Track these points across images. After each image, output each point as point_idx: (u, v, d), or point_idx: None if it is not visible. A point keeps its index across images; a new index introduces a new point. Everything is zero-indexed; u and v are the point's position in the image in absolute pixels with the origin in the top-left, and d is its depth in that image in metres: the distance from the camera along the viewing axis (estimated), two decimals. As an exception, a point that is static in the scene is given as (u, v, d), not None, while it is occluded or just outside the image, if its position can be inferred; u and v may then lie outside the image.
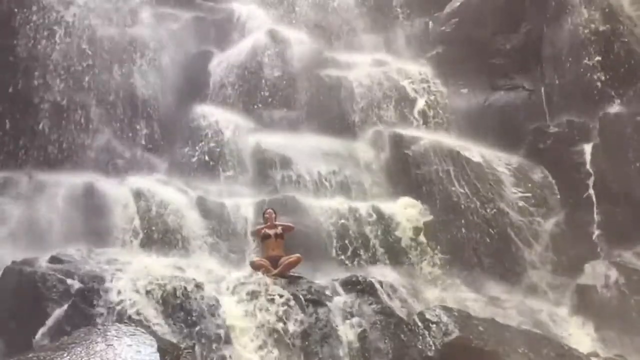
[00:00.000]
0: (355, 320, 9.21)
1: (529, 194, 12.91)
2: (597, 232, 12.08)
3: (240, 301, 9.21)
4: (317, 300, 9.39)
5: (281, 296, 9.29)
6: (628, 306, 11.00)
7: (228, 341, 8.66)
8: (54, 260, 9.64)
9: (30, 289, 8.95)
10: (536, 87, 14.34)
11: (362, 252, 11.85)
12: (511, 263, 12.18)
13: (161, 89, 14.73)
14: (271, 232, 10.39)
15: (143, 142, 13.99)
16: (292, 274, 9.98)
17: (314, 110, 14.84)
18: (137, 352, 6.28)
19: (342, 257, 11.71)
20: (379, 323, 9.13)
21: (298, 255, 10.09)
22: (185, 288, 8.97)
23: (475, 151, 13.44)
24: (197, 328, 8.63)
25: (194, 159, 13.53)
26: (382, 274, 11.00)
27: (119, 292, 8.77)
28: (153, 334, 7.18)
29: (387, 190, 13.39)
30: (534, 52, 14.65)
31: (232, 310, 9.02)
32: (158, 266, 9.76)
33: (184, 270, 9.88)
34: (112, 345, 6.38)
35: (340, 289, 9.79)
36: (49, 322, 8.50)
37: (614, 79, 13.09)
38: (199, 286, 9.14)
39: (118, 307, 8.59)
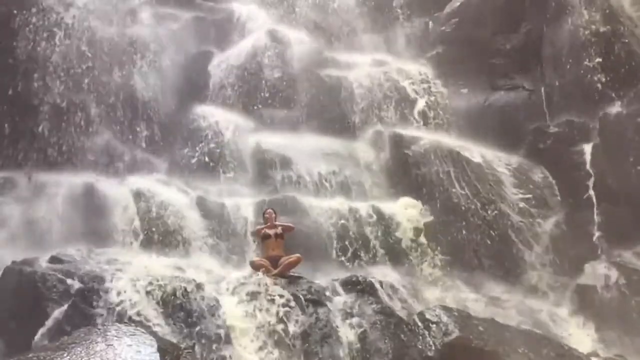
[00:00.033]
0: (355, 320, 9.21)
1: (530, 195, 12.90)
2: (597, 232, 12.08)
3: (240, 302, 9.21)
4: (317, 300, 9.38)
5: (281, 296, 9.28)
6: (628, 306, 11.02)
7: (228, 341, 8.65)
8: (54, 260, 9.65)
9: (30, 289, 8.95)
10: (536, 87, 14.32)
11: (362, 253, 11.84)
12: (511, 264, 12.18)
13: (161, 90, 14.72)
14: (271, 232, 10.39)
15: (143, 144, 13.98)
16: (292, 274, 9.98)
17: (314, 110, 14.83)
18: (137, 352, 6.29)
19: (343, 258, 11.70)
20: (379, 323, 9.13)
21: (298, 255, 10.10)
22: (185, 288, 8.97)
23: (475, 151, 13.44)
24: (197, 328, 8.63)
25: (194, 160, 13.52)
26: (382, 274, 11.00)
27: (119, 293, 8.77)
28: (153, 334, 7.18)
29: (387, 191, 13.38)
30: (534, 52, 14.63)
31: (232, 311, 9.02)
32: (158, 266, 9.77)
33: (184, 271, 9.87)
34: (112, 345, 6.39)
35: (340, 289, 9.79)
36: (49, 322, 8.50)
37: (614, 80, 13.06)
38: (199, 286, 9.14)
39: (118, 308, 8.58)
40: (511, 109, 14.33)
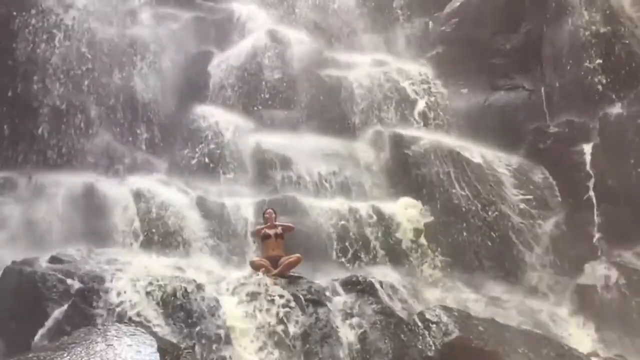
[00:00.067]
0: (355, 320, 9.20)
1: (530, 196, 12.89)
2: (597, 232, 12.09)
3: (240, 302, 9.20)
4: (317, 300, 9.37)
5: (281, 296, 9.28)
6: (628, 306, 11.02)
7: (228, 342, 8.65)
8: (54, 260, 9.65)
9: (30, 289, 8.95)
10: (536, 87, 14.32)
11: (362, 254, 11.83)
12: (512, 265, 12.18)
13: (161, 91, 14.72)
14: (271, 232, 10.39)
15: (143, 146, 13.96)
16: (292, 274, 9.97)
17: (314, 110, 14.84)
18: (137, 352, 6.30)
19: (343, 259, 11.70)
20: (379, 323, 9.12)
21: (298, 255, 10.09)
22: (186, 289, 8.96)
23: (475, 152, 13.44)
24: (197, 329, 8.62)
25: (194, 161, 13.52)
26: (382, 274, 11.00)
27: (119, 293, 8.76)
28: (153, 334, 7.18)
29: (387, 191, 13.38)
30: (534, 52, 14.63)
31: (232, 311, 9.01)
32: (158, 266, 9.75)
33: (184, 271, 9.86)
34: (112, 345, 6.39)
35: (340, 289, 9.79)
36: (49, 322, 8.50)
37: (614, 81, 13.06)
38: (199, 287, 9.13)
39: (118, 309, 8.57)
40: (511, 109, 14.32)
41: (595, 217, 12.26)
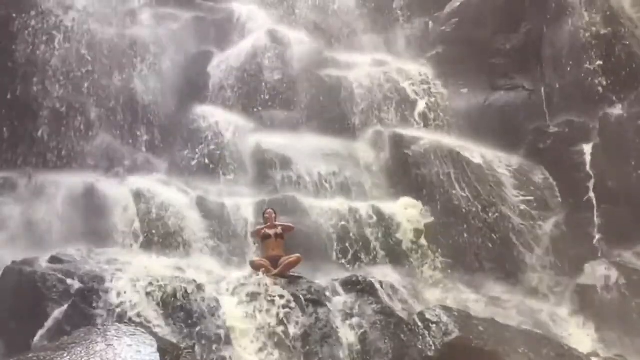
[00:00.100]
0: (355, 320, 9.20)
1: (531, 197, 12.89)
2: (597, 232, 12.09)
3: (240, 303, 9.19)
4: (317, 300, 9.37)
5: (282, 297, 9.27)
6: (628, 306, 11.02)
7: (228, 342, 8.64)
8: (54, 260, 9.65)
9: (30, 289, 8.95)
10: (536, 87, 14.31)
11: (363, 255, 11.83)
12: (512, 266, 12.18)
13: (161, 91, 14.69)
14: (271, 232, 10.39)
15: (143, 147, 13.93)
16: (292, 274, 9.97)
17: (314, 111, 14.83)
18: (137, 352, 6.29)
19: (343, 260, 11.69)
20: (379, 323, 9.11)
21: (298, 255, 10.09)
22: (186, 289, 8.95)
23: (475, 152, 13.43)
24: (197, 329, 8.61)
25: (194, 162, 13.51)
26: (382, 274, 11.00)
27: (119, 293, 8.75)
28: (153, 334, 7.18)
29: (387, 191, 13.37)
30: (534, 52, 14.62)
31: (233, 312, 9.00)
32: (158, 267, 9.74)
33: (184, 271, 9.86)
34: (112, 345, 6.39)
35: (340, 289, 9.78)
36: (49, 322, 8.50)
37: (615, 83, 13.05)
38: (199, 287, 9.13)
39: (118, 309, 8.56)
40: (511, 109, 14.31)
41: (596, 218, 12.26)
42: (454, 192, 12.80)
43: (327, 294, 9.62)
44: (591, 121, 13.05)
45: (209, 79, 15.21)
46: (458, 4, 16.16)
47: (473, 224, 12.48)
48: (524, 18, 15.06)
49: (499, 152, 13.59)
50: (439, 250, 12.19)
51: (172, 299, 8.83)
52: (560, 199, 12.92)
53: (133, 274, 9.12)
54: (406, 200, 12.78)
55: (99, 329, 6.95)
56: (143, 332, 6.83)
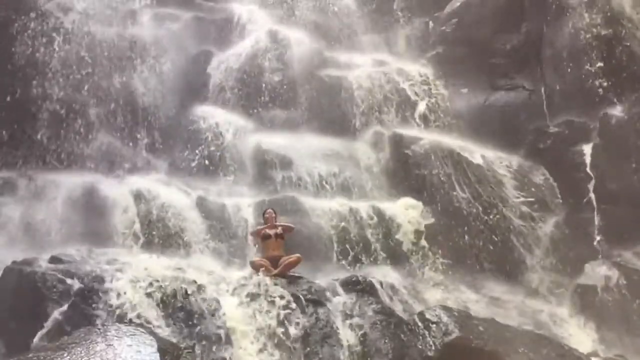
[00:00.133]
0: (355, 320, 9.20)
1: (532, 198, 12.88)
2: (597, 232, 12.10)
3: (240, 303, 9.18)
4: (317, 300, 9.36)
5: (282, 297, 9.26)
6: (629, 307, 11.03)
7: (228, 343, 8.64)
8: (54, 260, 9.63)
9: (30, 289, 8.94)
10: (536, 87, 14.29)
11: (363, 256, 11.82)
12: (513, 267, 12.19)
13: (161, 91, 14.65)
14: (271, 232, 10.39)
15: (144, 149, 13.89)
16: (292, 274, 9.97)
17: (314, 111, 14.82)
18: (137, 352, 6.32)
19: (344, 262, 11.68)
20: (379, 323, 9.11)
21: (298, 255, 10.09)
22: (186, 290, 8.95)
23: (475, 152, 13.41)
24: (197, 330, 8.60)
25: (194, 163, 13.50)
26: (382, 275, 10.99)
27: (119, 293, 8.74)
28: (153, 334, 7.18)
29: (388, 192, 13.36)
30: (534, 52, 14.60)
31: (233, 313, 8.99)
32: (158, 267, 9.71)
33: (184, 271, 9.85)
34: (112, 345, 6.41)
35: (340, 289, 9.76)
36: (49, 322, 8.47)
37: (616, 85, 13.02)
38: (199, 288, 9.12)
39: (118, 309, 8.55)
40: (511, 109, 14.30)
41: (596, 218, 12.26)
42: (454, 193, 12.79)
43: (327, 293, 9.61)
44: (591, 121, 13.04)
45: (209, 79, 15.19)
46: (458, 4, 16.13)
47: (474, 226, 12.46)
48: (524, 18, 15.03)
49: (499, 152, 13.59)
50: (440, 251, 12.18)
51: (172, 299, 8.81)
52: (560, 199, 12.92)
53: (133, 275, 9.10)
54: (406, 201, 12.76)
55: (99, 329, 6.97)
56: (143, 332, 6.85)
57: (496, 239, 12.37)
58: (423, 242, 12.20)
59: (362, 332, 9.07)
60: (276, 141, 13.70)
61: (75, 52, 13.81)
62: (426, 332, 9.00)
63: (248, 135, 13.91)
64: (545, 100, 14.06)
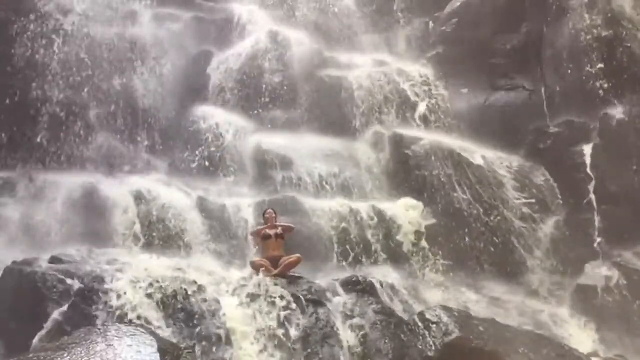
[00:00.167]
0: (355, 320, 9.19)
1: (532, 200, 12.86)
2: (597, 232, 12.10)
3: (240, 304, 9.17)
4: (317, 300, 9.34)
5: (282, 298, 9.25)
6: (629, 307, 11.04)
7: (228, 343, 8.63)
8: (54, 260, 9.64)
9: (30, 289, 8.95)
10: (536, 87, 14.28)
11: (363, 258, 11.82)
12: (513, 268, 12.19)
13: (161, 92, 14.67)
14: (271, 232, 10.38)
15: (144, 150, 13.87)
16: (292, 274, 9.97)
17: (314, 111, 14.82)
18: (137, 352, 6.31)
19: (344, 263, 11.68)
20: (379, 323, 9.10)
21: (298, 255, 10.09)
22: (186, 291, 8.94)
23: (476, 153, 13.41)
24: (197, 330, 8.59)
25: (194, 164, 13.49)
26: (382, 275, 10.99)
27: (119, 293, 8.74)
28: (153, 334, 7.18)
29: (388, 193, 13.36)
30: (534, 52, 14.59)
31: (233, 313, 8.98)
32: (158, 267, 9.72)
33: (184, 272, 9.85)
34: (112, 345, 6.41)
35: (340, 289, 9.75)
36: (49, 322, 8.46)
37: (616, 86, 12.99)
38: (199, 288, 9.11)
39: (118, 309, 8.54)
40: (511, 108, 14.29)
41: (596, 218, 12.25)
42: (455, 194, 12.78)
43: (327, 293, 9.60)
44: (591, 121, 13.03)
45: (209, 79, 15.22)
46: (458, 4, 16.13)
47: (474, 227, 12.46)
48: (524, 18, 15.01)
49: (499, 152, 13.58)
50: (440, 252, 12.18)
51: (172, 300, 8.81)
52: (560, 200, 12.91)
53: (133, 275, 9.09)
54: (407, 201, 12.76)
55: (99, 329, 6.96)
56: (143, 332, 6.84)
57: (497, 240, 12.36)
58: (423, 243, 12.20)
59: (362, 332, 9.05)
60: (276, 141, 13.70)
61: (75, 53, 13.78)
62: (426, 332, 9.00)
63: (248, 136, 13.92)
64: (545, 100, 14.06)
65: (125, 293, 8.73)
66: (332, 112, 14.83)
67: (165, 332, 8.32)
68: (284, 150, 13.51)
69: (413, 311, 9.75)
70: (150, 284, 8.88)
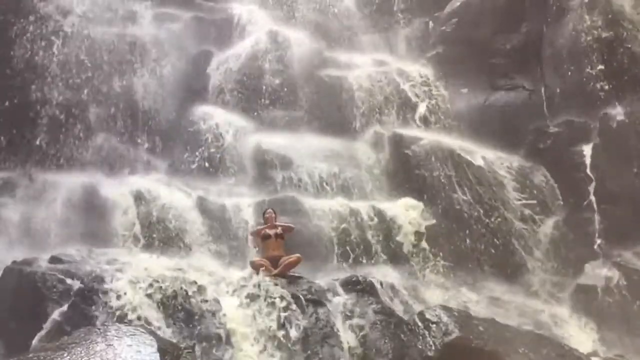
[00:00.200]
0: (355, 320, 9.19)
1: (533, 201, 12.86)
2: (597, 232, 12.09)
3: (240, 305, 9.18)
4: (317, 300, 9.34)
5: (282, 298, 9.25)
6: (629, 307, 11.04)
7: (229, 344, 8.63)
8: (54, 260, 9.64)
9: (30, 289, 8.95)
10: (536, 87, 14.27)
11: (364, 259, 11.81)
12: (514, 268, 12.19)
13: (161, 92, 14.63)
14: (271, 232, 10.38)
15: (144, 151, 13.83)
16: (292, 274, 9.97)
17: (314, 111, 14.82)
18: (137, 352, 6.31)
19: (344, 265, 11.67)
20: (379, 323, 9.10)
21: (298, 255, 10.09)
22: (186, 291, 8.94)
23: (476, 153, 13.40)
24: (198, 330, 8.60)
25: (194, 166, 13.48)
26: (383, 274, 10.99)
27: (119, 293, 8.73)
28: (153, 334, 7.18)
29: (388, 193, 13.35)
30: (534, 52, 14.58)
31: (233, 314, 8.99)
32: (158, 267, 9.71)
33: (184, 272, 9.84)
34: (112, 345, 6.41)
35: (340, 289, 9.75)
36: (49, 322, 8.46)
37: (617, 88, 12.97)
38: (200, 288, 9.11)
39: (118, 310, 8.54)
40: (511, 109, 14.27)
41: (596, 217, 12.25)
42: (455, 195, 12.77)
43: (328, 293, 9.59)
44: (591, 121, 13.03)
45: (209, 80, 15.20)
46: (458, 4, 16.12)
47: (475, 229, 12.45)
48: (524, 18, 15.00)
49: (499, 152, 13.58)
50: (441, 254, 12.17)
51: (173, 300, 8.81)
52: (561, 201, 12.91)
53: (133, 275, 9.08)
54: (407, 201, 12.75)
55: (99, 329, 6.96)
56: (143, 332, 6.84)
57: (497, 242, 12.36)
58: (424, 244, 12.19)
59: (362, 332, 9.05)
60: (276, 141, 13.70)
61: (74, 55, 13.73)
62: (426, 332, 9.00)
63: (248, 136, 13.91)
64: (545, 101, 14.05)
65: (125, 294, 8.72)
66: (332, 112, 14.83)
67: (166, 333, 8.31)
68: (284, 150, 13.50)
69: (413, 311, 9.75)
70: (151, 285, 8.88)
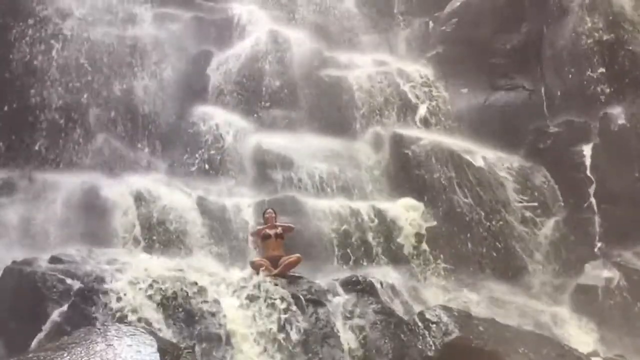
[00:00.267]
0: (355, 320, 9.19)
1: (533, 200, 12.86)
2: (597, 232, 12.09)
3: (240, 306, 9.16)
4: (317, 300, 9.34)
5: (282, 299, 9.24)
6: (629, 306, 11.03)
7: (229, 344, 8.63)
8: (54, 260, 9.61)
9: (30, 289, 8.92)
10: (536, 87, 14.30)
11: (364, 261, 11.81)
12: (514, 268, 12.21)
13: (161, 92, 14.61)
14: (271, 232, 10.38)
15: (144, 153, 13.81)
16: (292, 274, 9.96)
17: (314, 112, 14.82)
18: (137, 352, 6.30)
19: (345, 266, 11.66)
20: (379, 323, 9.10)
21: (298, 255, 10.08)
22: (186, 292, 8.94)
23: (476, 154, 13.40)
24: (198, 332, 8.59)
25: (194, 168, 13.47)
26: (383, 275, 10.99)
27: (119, 294, 8.73)
28: (153, 334, 7.17)
29: (388, 193, 13.35)
30: (534, 52, 14.60)
31: (233, 314, 8.98)
32: (158, 268, 9.70)
33: (184, 272, 9.84)
34: (112, 345, 6.40)
35: (340, 289, 9.74)
36: (49, 322, 8.45)
37: (618, 91, 12.97)
38: (200, 289, 9.11)
39: (118, 311, 8.54)
40: (511, 109, 14.31)
41: (596, 217, 12.25)
42: (456, 197, 12.77)
43: (328, 294, 9.59)
44: (591, 121, 13.03)
45: (209, 80, 15.20)
46: (458, 4, 16.15)
47: (476, 232, 12.45)
48: (524, 18, 15.02)
49: (499, 152, 13.58)
50: (441, 256, 12.18)
51: (173, 301, 8.80)
52: (562, 202, 12.91)
53: (133, 275, 9.08)
54: (407, 201, 12.75)
55: (99, 329, 6.95)
56: (143, 332, 6.83)
57: (499, 245, 12.37)
58: (424, 246, 12.19)
59: (362, 332, 9.04)
60: (276, 141, 13.70)
61: (74, 58, 13.68)
62: (426, 332, 9.00)
63: (248, 136, 13.91)
64: (545, 101, 14.06)
65: (125, 295, 8.71)
66: (332, 112, 14.84)
67: (166, 334, 8.31)
68: (284, 150, 13.50)
69: (413, 311, 9.75)
70: (151, 285, 8.87)
